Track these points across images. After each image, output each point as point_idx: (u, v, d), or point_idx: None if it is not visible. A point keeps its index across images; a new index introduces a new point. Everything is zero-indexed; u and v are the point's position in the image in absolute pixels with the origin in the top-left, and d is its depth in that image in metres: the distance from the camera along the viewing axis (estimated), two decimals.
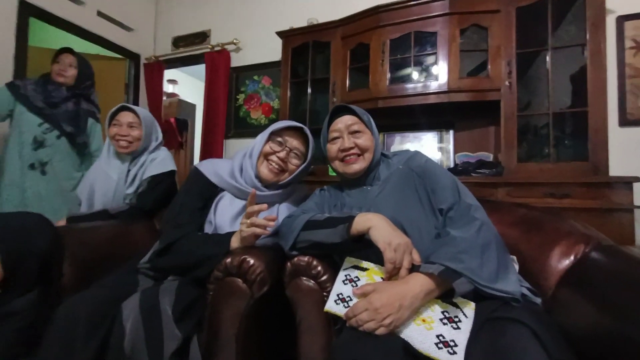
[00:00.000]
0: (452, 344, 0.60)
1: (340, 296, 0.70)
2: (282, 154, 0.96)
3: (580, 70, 1.80)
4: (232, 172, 0.99)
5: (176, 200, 0.96)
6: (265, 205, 0.79)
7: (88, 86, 1.85)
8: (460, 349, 0.59)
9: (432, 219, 0.79)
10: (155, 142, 1.46)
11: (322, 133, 0.99)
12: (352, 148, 0.91)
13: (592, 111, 1.69)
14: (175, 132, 3.50)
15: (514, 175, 1.75)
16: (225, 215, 0.94)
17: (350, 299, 0.69)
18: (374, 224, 0.70)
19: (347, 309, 0.67)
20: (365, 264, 0.74)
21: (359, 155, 0.92)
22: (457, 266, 0.63)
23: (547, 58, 1.82)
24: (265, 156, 0.97)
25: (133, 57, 3.24)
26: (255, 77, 2.92)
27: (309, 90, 2.46)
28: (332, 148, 0.94)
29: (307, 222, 0.79)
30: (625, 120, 1.90)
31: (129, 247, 1.15)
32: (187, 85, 4.40)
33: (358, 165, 0.91)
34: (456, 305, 0.64)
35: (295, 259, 0.77)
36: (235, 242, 0.82)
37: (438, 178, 0.83)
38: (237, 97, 3.00)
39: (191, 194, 0.95)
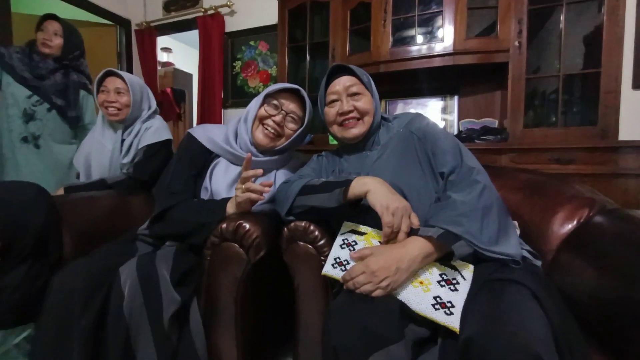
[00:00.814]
0: (449, 304, 0.59)
1: (337, 260, 0.69)
2: (278, 118, 0.91)
3: (595, 31, 1.70)
4: (227, 137, 0.96)
5: (169, 167, 0.94)
6: (260, 171, 0.77)
7: (77, 56, 1.75)
8: (457, 310, 0.58)
9: (432, 183, 0.77)
10: (147, 110, 1.41)
11: (319, 96, 0.94)
12: (351, 111, 0.87)
13: (605, 72, 1.61)
14: (172, 103, 3.41)
15: (519, 141, 1.70)
16: (220, 181, 0.92)
17: (348, 263, 0.68)
18: (371, 188, 0.68)
19: (344, 272, 0.66)
20: (363, 228, 0.73)
21: (358, 119, 0.87)
22: (456, 229, 0.62)
23: (561, 16, 1.70)
24: (261, 120, 0.93)
25: (123, 23, 3.09)
26: (252, 43, 2.79)
27: (308, 56, 2.35)
28: (330, 112, 0.89)
29: (303, 187, 0.77)
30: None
31: (127, 218, 1.15)
32: (182, 54, 4.23)
33: (357, 130, 0.87)
34: (454, 268, 0.64)
35: (292, 224, 0.76)
36: (230, 208, 0.81)
37: (439, 141, 0.80)
38: (234, 64, 2.88)
39: (184, 160, 0.92)
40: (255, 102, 0.95)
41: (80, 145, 1.45)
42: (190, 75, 4.00)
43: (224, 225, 0.73)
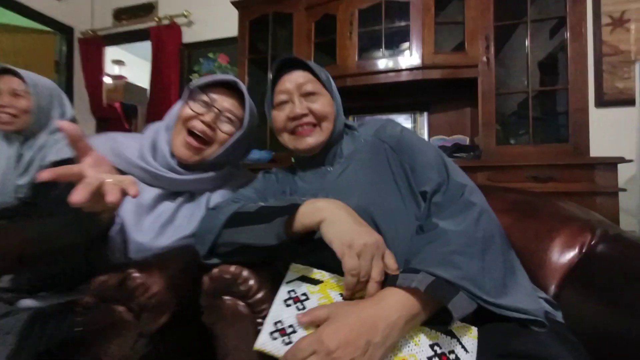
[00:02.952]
0: None
1: (279, 325, 0.46)
2: (207, 118, 0.69)
3: (555, 50, 1.70)
4: (141, 150, 0.71)
5: (54, 194, 0.67)
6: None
7: None
8: None
9: (412, 207, 0.57)
10: (59, 118, 1.13)
11: (266, 97, 0.74)
12: (305, 115, 0.66)
13: (572, 88, 1.57)
14: (121, 118, 3.07)
15: (493, 158, 1.60)
16: (129, 205, 0.67)
17: (294, 331, 0.45)
18: (327, 216, 0.47)
19: (287, 347, 0.43)
20: (317, 273, 0.51)
21: (314, 125, 0.68)
22: (451, 274, 0.42)
23: (527, 31, 1.68)
24: (185, 123, 0.70)
25: (64, 30, 2.77)
26: (211, 55, 2.57)
27: (270, 67, 2.18)
28: (279, 115, 0.69)
29: (231, 216, 0.54)
30: (602, 101, 1.82)
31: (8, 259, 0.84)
32: (136, 68, 3.92)
33: (313, 139, 0.67)
34: (451, 334, 0.43)
35: (216, 269, 0.52)
36: None
37: (418, 151, 0.62)
38: (191, 77, 2.64)
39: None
40: (179, 103, 0.72)
41: None
42: (145, 90, 3.68)
43: (103, 278, 0.48)
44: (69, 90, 2.78)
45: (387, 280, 0.45)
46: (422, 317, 0.42)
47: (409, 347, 0.42)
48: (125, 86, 3.42)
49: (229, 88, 0.73)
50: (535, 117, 1.71)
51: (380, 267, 0.44)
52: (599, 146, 1.63)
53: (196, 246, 0.57)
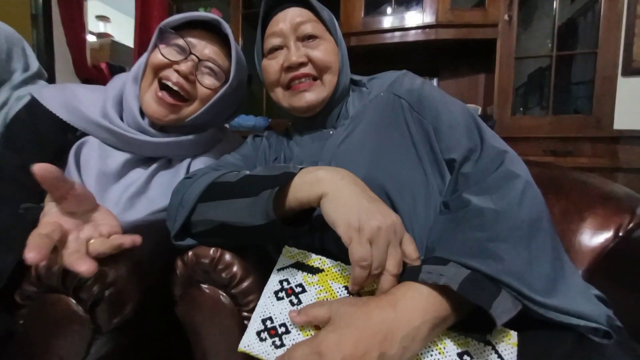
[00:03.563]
0: None
1: (268, 323, 0.37)
2: (185, 67, 0.55)
3: (575, 15, 1.52)
4: (104, 106, 0.59)
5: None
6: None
7: None
8: None
9: (435, 178, 0.46)
10: (22, 72, 0.98)
11: (256, 43, 0.60)
12: (303, 65, 0.53)
13: (601, 54, 1.42)
14: (107, 80, 2.86)
15: (508, 130, 1.48)
16: (91, 173, 0.55)
17: (287, 331, 0.36)
18: (330, 189, 0.36)
19: (278, 351, 0.35)
20: (316, 259, 0.41)
21: (315, 78, 0.55)
22: (491, 267, 0.32)
23: None
24: (156, 72, 0.57)
25: None
26: (202, 10, 2.34)
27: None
28: (271, 65, 0.55)
29: (208, 187, 0.43)
30: (630, 69, 1.65)
31: None
32: (123, 25, 3.63)
33: (313, 95, 0.54)
34: (484, 341, 0.34)
35: (190, 252, 0.42)
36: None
37: (443, 109, 0.49)
38: None
39: (16, 145, 0.54)
40: (150, 47, 0.58)
41: None
42: (130, 50, 3.43)
43: (42, 264, 0.37)
44: (48, 48, 2.55)
45: (406, 273, 0.35)
46: (451, 322, 0.33)
47: (431, 356, 0.33)
48: (111, 45, 3.17)
49: (211, 31, 0.59)
50: (559, 85, 1.57)
51: (397, 257, 0.34)
52: (624, 119, 1.50)
53: (167, 223, 0.46)
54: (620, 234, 0.66)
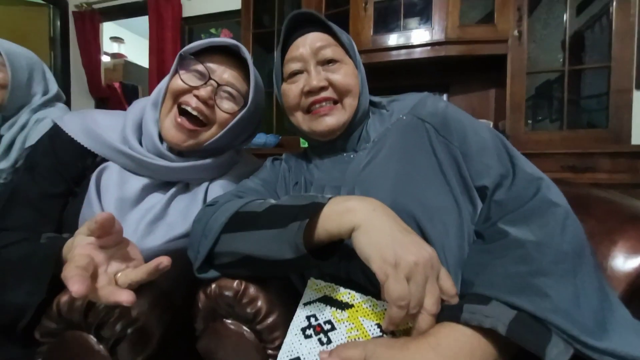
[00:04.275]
0: None
1: None
2: (204, 92, 0.55)
3: (581, 28, 1.52)
4: (124, 132, 0.59)
5: (15, 183, 0.55)
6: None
7: None
8: None
9: (466, 205, 0.44)
10: (42, 95, 1.00)
11: (274, 67, 0.60)
12: (323, 89, 0.53)
13: (616, 67, 1.40)
14: (120, 99, 2.94)
15: (523, 145, 1.45)
16: (110, 198, 0.55)
17: None
18: (363, 221, 0.35)
19: None
20: (344, 294, 0.39)
21: (335, 101, 0.54)
22: (538, 306, 0.30)
23: (567, 2, 1.49)
24: (176, 98, 0.57)
25: (58, 3, 2.61)
26: (213, 31, 2.41)
27: (277, 46, 2.02)
28: (291, 90, 0.55)
29: (233, 216, 0.42)
30: None
31: None
32: (137, 46, 3.75)
33: (334, 119, 0.53)
34: None
35: (214, 284, 0.41)
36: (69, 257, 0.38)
37: (470, 132, 0.48)
38: None
39: (39, 169, 0.54)
40: (170, 74, 0.59)
41: None
42: (146, 70, 3.51)
43: (65, 299, 0.36)
44: (65, 69, 2.64)
45: (445, 311, 0.33)
46: None
47: None
48: (124, 65, 3.26)
49: (230, 56, 0.59)
50: (572, 99, 1.55)
51: (436, 295, 0.32)
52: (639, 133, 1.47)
53: (188, 254, 0.45)
54: None
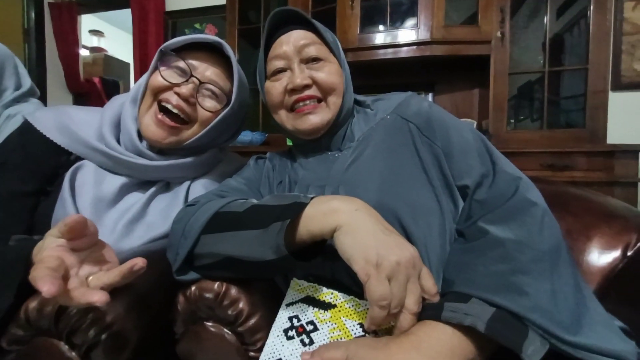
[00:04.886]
0: None
1: None
2: (185, 90, 0.54)
3: (561, 31, 1.57)
4: (100, 129, 0.57)
5: None
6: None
7: None
8: None
9: (447, 204, 0.45)
10: (13, 89, 0.96)
11: (258, 65, 0.59)
12: (307, 87, 0.52)
13: (592, 69, 1.45)
14: (100, 94, 2.84)
15: (504, 144, 1.49)
16: (86, 198, 0.53)
17: None
18: (344, 221, 0.35)
19: None
20: (327, 294, 0.39)
21: (319, 100, 0.54)
22: (518, 304, 0.31)
23: (548, 4, 1.53)
24: (156, 95, 0.55)
25: None
26: (197, 26, 2.36)
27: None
28: (274, 88, 0.54)
29: (213, 216, 0.41)
30: (619, 84, 1.69)
31: None
32: (118, 40, 3.63)
33: (318, 118, 0.53)
34: None
35: (194, 286, 0.40)
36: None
37: (452, 132, 0.49)
38: None
39: (7, 170, 0.51)
40: (150, 69, 0.57)
41: None
42: (127, 65, 3.42)
43: (34, 305, 0.35)
44: (40, 62, 2.53)
45: (426, 310, 0.33)
46: None
47: None
48: (104, 59, 3.16)
49: (213, 53, 0.58)
50: (551, 100, 1.60)
51: (417, 294, 0.32)
52: (615, 133, 1.53)
53: (167, 255, 0.44)
54: (629, 253, 0.65)
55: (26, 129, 0.54)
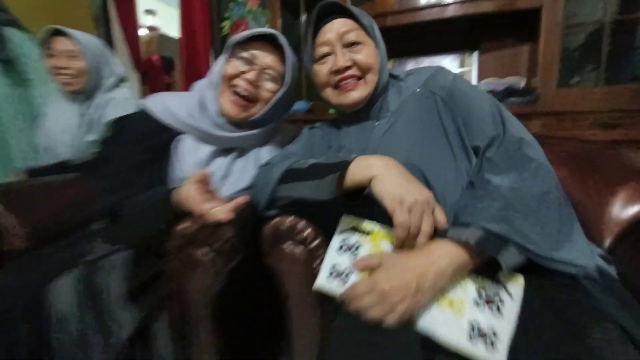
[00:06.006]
0: (490, 333, 0.42)
1: (335, 269, 0.52)
2: (251, 75, 0.70)
3: None
4: (190, 109, 0.75)
5: (108, 153, 0.75)
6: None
7: None
8: (503, 342, 0.41)
9: (463, 163, 0.57)
10: (110, 77, 1.19)
11: (305, 50, 0.72)
12: (348, 68, 0.65)
13: None
14: (160, 72, 3.14)
15: (553, 103, 1.45)
16: (189, 163, 0.73)
17: (350, 273, 0.51)
18: (378, 172, 0.49)
19: (344, 287, 0.49)
20: (367, 224, 0.54)
21: (359, 77, 0.66)
22: (502, 229, 0.43)
23: None
24: (229, 81, 0.72)
25: None
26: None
27: (303, 11, 2.05)
28: (321, 70, 0.67)
29: (285, 172, 0.58)
30: None
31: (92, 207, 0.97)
32: (168, 17, 3.87)
33: (358, 93, 0.65)
34: (496, 281, 0.45)
35: (275, 220, 0.58)
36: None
37: (472, 102, 0.59)
38: (222, 25, 2.57)
39: (131, 143, 0.73)
40: (221, 59, 0.73)
41: (42, 119, 1.25)
42: (177, 41, 3.66)
43: (183, 226, 0.56)
44: (110, 47, 2.84)
45: (437, 234, 0.47)
46: (470, 267, 0.45)
47: (455, 290, 0.46)
48: (159, 38, 3.42)
49: (268, 41, 0.72)
50: (611, 53, 1.48)
51: (430, 222, 0.46)
52: None
53: (255, 199, 0.63)
54: None
55: (140, 112, 0.75)
